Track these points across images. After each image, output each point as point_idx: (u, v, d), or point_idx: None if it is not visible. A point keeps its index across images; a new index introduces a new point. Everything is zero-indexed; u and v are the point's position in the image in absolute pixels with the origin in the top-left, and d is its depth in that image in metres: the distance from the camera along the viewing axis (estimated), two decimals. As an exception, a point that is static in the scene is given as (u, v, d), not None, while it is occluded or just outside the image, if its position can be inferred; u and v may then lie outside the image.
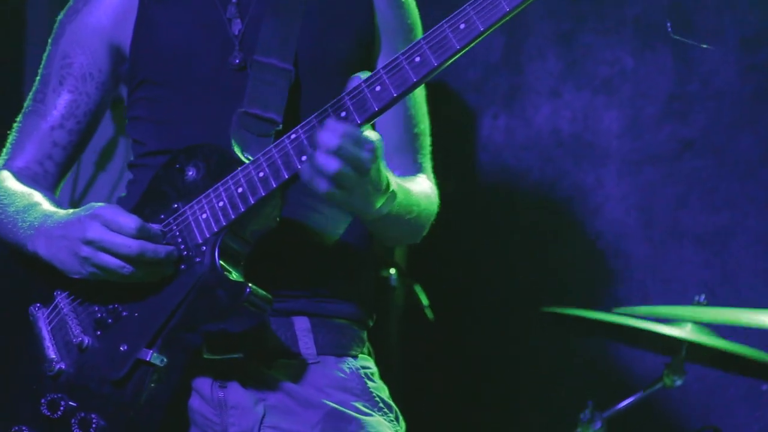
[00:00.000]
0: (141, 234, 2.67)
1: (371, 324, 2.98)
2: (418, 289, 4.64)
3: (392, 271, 4.39)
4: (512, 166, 4.90)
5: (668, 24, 2.61)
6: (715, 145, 4.66)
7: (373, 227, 2.87)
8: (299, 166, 2.61)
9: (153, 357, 2.68)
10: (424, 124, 3.04)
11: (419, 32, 3.03)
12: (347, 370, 2.87)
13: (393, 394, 2.94)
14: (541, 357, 4.83)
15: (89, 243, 2.67)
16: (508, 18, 2.56)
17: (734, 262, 4.58)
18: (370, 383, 2.90)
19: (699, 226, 4.66)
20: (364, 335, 2.95)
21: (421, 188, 2.93)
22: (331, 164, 2.51)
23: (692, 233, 4.66)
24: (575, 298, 4.67)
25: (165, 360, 2.69)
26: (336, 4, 2.95)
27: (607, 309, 4.02)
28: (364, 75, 2.63)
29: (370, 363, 2.95)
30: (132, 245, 2.65)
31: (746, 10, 4.59)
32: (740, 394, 4.48)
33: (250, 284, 2.64)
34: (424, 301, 4.64)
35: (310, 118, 2.63)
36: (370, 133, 2.59)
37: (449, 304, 4.83)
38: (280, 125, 2.79)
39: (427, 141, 3.03)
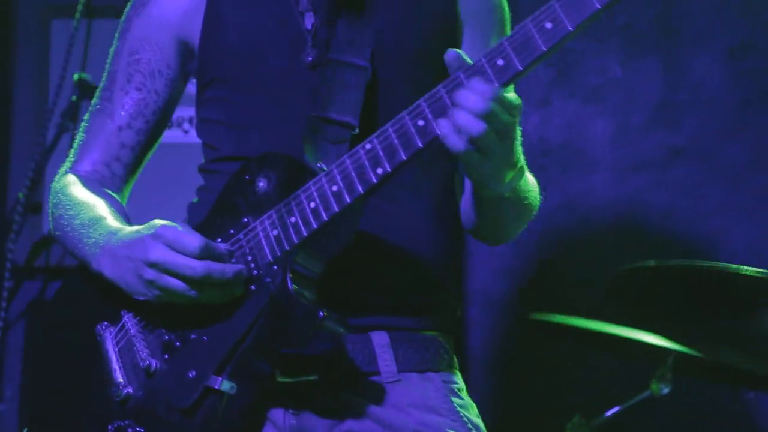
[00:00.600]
0: (205, 254, 2.50)
1: (457, 334, 2.78)
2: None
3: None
4: (501, 174, 4.90)
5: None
6: (704, 152, 4.66)
7: (491, 209, 2.64)
8: (374, 180, 2.42)
9: (222, 384, 2.50)
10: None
11: (507, 15, 2.86)
12: (431, 388, 2.68)
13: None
14: (528, 367, 4.83)
15: (153, 265, 2.51)
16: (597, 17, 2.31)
17: (723, 270, 4.59)
18: (455, 400, 2.70)
19: (687, 233, 4.66)
20: (449, 346, 2.75)
21: (528, 174, 2.71)
22: (476, 126, 2.31)
23: (681, 240, 4.67)
24: (565, 307, 4.67)
25: (235, 387, 2.50)
26: None
27: (598, 317, 4.02)
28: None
29: (457, 378, 2.75)
30: (197, 266, 2.49)
31: (734, 19, 4.61)
32: (727, 402, 4.48)
33: (324, 309, 2.45)
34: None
35: (385, 127, 2.42)
36: (512, 96, 2.40)
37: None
38: (357, 129, 2.61)
39: (518, 131, 2.75)
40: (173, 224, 2.56)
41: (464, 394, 2.74)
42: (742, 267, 3.08)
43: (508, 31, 2.73)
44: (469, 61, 2.38)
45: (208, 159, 2.84)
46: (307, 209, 2.48)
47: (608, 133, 4.78)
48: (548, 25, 2.32)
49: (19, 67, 4.97)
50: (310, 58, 2.70)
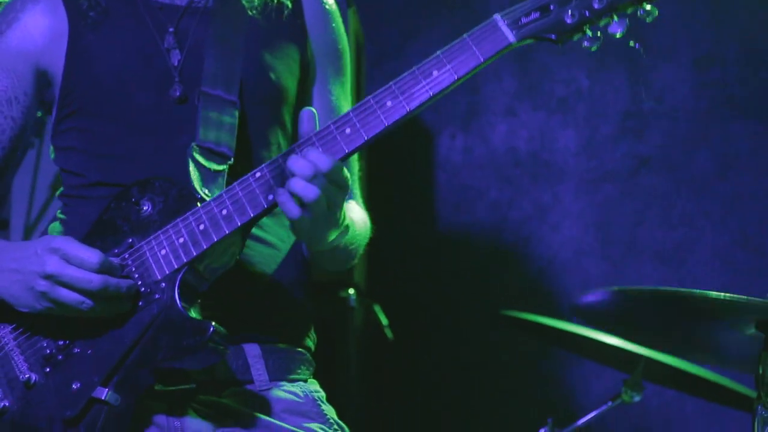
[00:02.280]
0: (103, 268, 2.56)
1: (314, 348, 2.93)
2: (377, 309, 4.63)
3: (351, 291, 4.38)
4: (470, 185, 4.92)
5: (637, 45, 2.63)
6: (671, 162, 4.69)
7: (318, 257, 2.85)
8: (265, 205, 2.56)
9: (108, 395, 2.57)
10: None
11: (348, 60, 3.02)
12: (301, 394, 2.82)
13: (353, 413, 2.94)
14: (500, 374, 4.84)
15: (48, 277, 2.56)
16: (479, 69, 2.54)
17: (691, 278, 4.61)
18: (323, 405, 2.86)
19: (656, 242, 4.69)
20: (310, 358, 2.90)
21: (359, 217, 2.91)
22: (310, 192, 2.49)
23: (650, 250, 4.69)
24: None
25: (119, 398, 2.58)
26: (274, 32, 2.89)
27: (569, 319, 4.03)
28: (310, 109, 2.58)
29: (319, 387, 2.91)
30: (94, 279, 2.55)
31: (699, 30, 4.64)
32: (698, 409, 4.50)
33: (213, 323, 2.56)
34: (384, 320, 4.64)
35: (276, 158, 2.57)
36: (343, 170, 2.55)
37: (408, 324, 4.83)
38: (232, 159, 2.73)
39: (356, 167, 2.98)
40: (70, 238, 2.61)
41: (325, 401, 2.88)
42: (707, 292, 3.11)
43: (348, 75, 2.99)
44: (317, 125, 2.57)
45: (70, 185, 2.88)
46: (197, 231, 2.59)
47: (576, 143, 4.80)
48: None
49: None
50: (177, 93, 2.79)
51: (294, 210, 2.51)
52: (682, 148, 4.67)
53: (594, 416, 3.98)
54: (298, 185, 2.50)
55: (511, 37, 2.52)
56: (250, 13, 2.88)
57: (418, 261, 4.91)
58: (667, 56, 4.64)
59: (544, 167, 4.82)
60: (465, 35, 2.54)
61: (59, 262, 2.57)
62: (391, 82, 2.54)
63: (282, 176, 2.55)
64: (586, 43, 2.55)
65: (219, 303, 2.69)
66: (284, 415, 2.77)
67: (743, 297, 3.06)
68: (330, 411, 2.87)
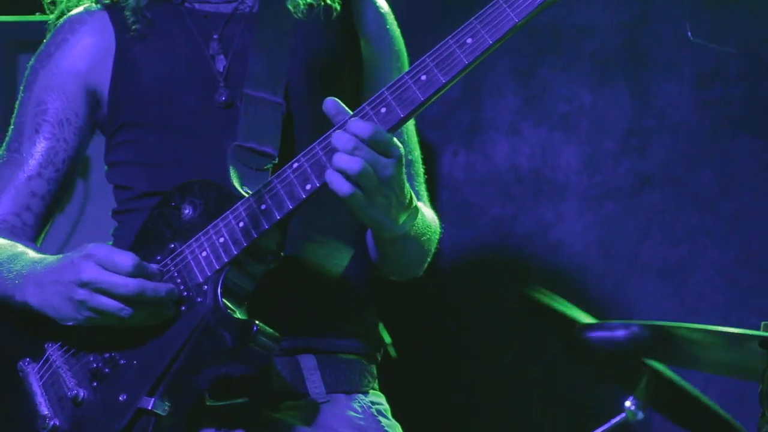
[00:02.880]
0: (138, 272, 2.53)
1: (379, 358, 2.87)
2: (381, 328, 4.62)
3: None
4: (473, 202, 4.91)
5: (688, 32, 2.61)
6: (674, 178, 4.68)
7: (390, 249, 2.77)
8: (303, 196, 2.52)
9: (155, 405, 2.52)
10: (417, 152, 2.98)
11: (405, 59, 3.00)
12: (359, 408, 2.77)
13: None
14: (503, 391, 4.83)
15: (85, 285, 2.53)
16: (516, 30, 2.47)
17: (694, 295, 4.60)
18: (383, 420, 2.80)
19: (659, 259, 4.67)
20: (374, 370, 2.86)
21: (429, 212, 2.87)
22: (354, 164, 2.44)
23: (652, 267, 4.68)
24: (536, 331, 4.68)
25: (167, 408, 2.52)
26: (323, 34, 2.88)
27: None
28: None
29: (382, 399, 2.86)
30: (130, 284, 2.51)
31: (702, 46, 4.64)
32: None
33: (257, 322, 2.50)
34: (387, 339, 4.63)
35: (312, 146, 2.53)
36: (389, 137, 2.50)
37: (411, 341, 4.82)
38: (276, 159, 2.69)
39: (420, 169, 2.98)
40: (104, 244, 2.59)
41: (389, 414, 2.84)
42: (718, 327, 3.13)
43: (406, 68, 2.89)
44: (349, 110, 2.52)
45: (121, 200, 2.89)
46: (237, 229, 2.55)
47: (578, 160, 4.79)
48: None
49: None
50: (223, 98, 2.80)
51: (343, 186, 2.45)
52: (685, 165, 4.66)
53: (598, 433, 3.98)
54: (341, 159, 2.44)
55: None
56: (296, 16, 2.85)
57: (421, 277, 4.89)
58: (669, 73, 4.64)
59: (547, 184, 4.81)
60: None
61: (95, 268, 2.53)
62: (425, 56, 2.50)
63: (320, 164, 2.50)
64: None
65: (271, 310, 2.63)
66: (341, 429, 2.71)
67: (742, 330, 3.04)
68: (391, 425, 2.81)
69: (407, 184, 2.56)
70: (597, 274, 4.74)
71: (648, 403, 3.87)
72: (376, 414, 2.80)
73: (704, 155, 4.64)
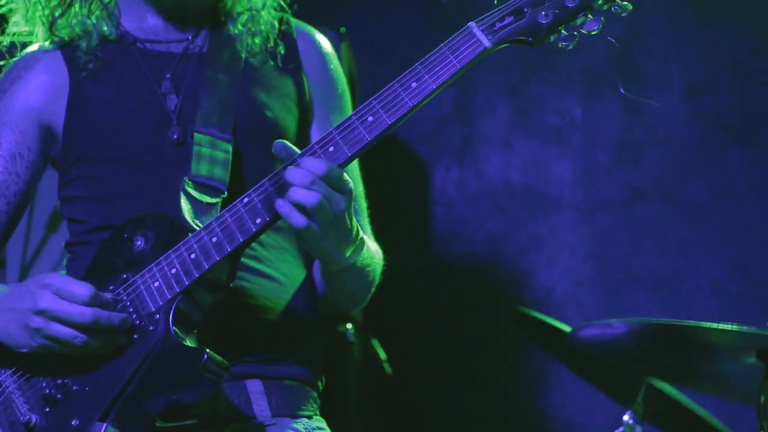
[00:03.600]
0: (94, 302, 2.60)
1: (321, 386, 2.95)
2: (376, 344, 4.62)
3: (349, 326, 4.37)
4: (466, 217, 4.91)
5: (621, 87, 2.67)
6: (666, 191, 4.69)
7: (337, 280, 2.85)
8: (253, 229, 2.60)
9: (107, 430, 2.60)
10: (360, 187, 3.05)
11: (348, 100, 3.09)
12: (303, 430, 2.83)
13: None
14: (499, 407, 4.83)
15: (41, 313, 2.60)
16: (458, 76, 2.57)
17: (688, 306, 4.61)
18: None
19: (652, 271, 4.68)
20: (316, 395, 2.92)
21: (373, 246, 2.94)
22: (311, 197, 2.52)
23: (645, 279, 4.68)
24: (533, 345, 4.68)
25: None
26: (270, 77, 2.97)
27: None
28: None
29: (323, 424, 2.92)
30: (86, 313, 2.58)
31: (692, 59, 4.65)
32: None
33: (207, 350, 2.58)
34: (382, 355, 4.63)
35: (263, 182, 2.61)
36: (342, 174, 2.59)
37: (407, 357, 4.82)
38: (226, 193, 2.78)
39: (364, 204, 3.04)
40: (61, 274, 2.66)
41: None
42: (708, 324, 3.11)
43: (349, 114, 2.99)
44: (296, 150, 2.61)
45: (74, 232, 2.95)
46: (188, 260, 2.62)
47: (570, 174, 4.80)
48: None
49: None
50: (175, 136, 2.87)
51: (299, 219, 2.53)
52: (677, 177, 4.67)
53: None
54: (298, 193, 2.52)
55: (486, 42, 2.56)
56: (244, 55, 2.96)
57: (416, 294, 4.90)
58: (660, 85, 4.65)
59: (540, 198, 4.82)
60: (441, 45, 2.58)
61: (51, 297, 2.60)
62: (371, 98, 2.59)
63: (270, 199, 2.58)
64: (562, 43, 2.59)
65: (220, 338, 2.71)
66: None
67: (743, 327, 3.04)
68: None
69: (354, 218, 2.65)
70: (590, 287, 4.75)
71: (645, 417, 3.87)
72: None
73: (696, 167, 4.65)
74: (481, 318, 4.86)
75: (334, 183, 2.55)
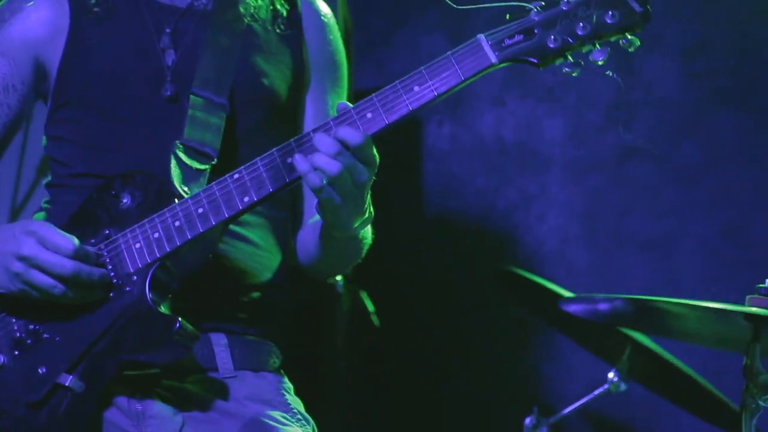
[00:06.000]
0: (77, 255, 2.62)
1: (284, 344, 2.97)
2: (364, 296, 4.63)
3: (338, 278, 4.38)
4: (457, 172, 4.91)
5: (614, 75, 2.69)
6: (658, 152, 4.69)
7: (334, 247, 2.88)
8: (240, 207, 2.62)
9: (72, 382, 2.63)
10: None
11: (345, 73, 3.10)
12: (265, 383, 2.87)
13: (340, 399, 2.95)
14: (486, 362, 4.84)
15: (23, 259, 2.62)
16: (460, 87, 2.60)
17: (678, 268, 4.61)
18: (287, 395, 2.90)
19: (643, 232, 4.68)
20: (279, 352, 2.95)
21: None
22: (333, 167, 2.53)
23: (636, 240, 4.69)
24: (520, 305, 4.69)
25: (83, 386, 2.64)
26: (270, 43, 2.96)
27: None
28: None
29: (285, 379, 2.96)
30: (67, 265, 2.60)
31: (688, 20, 4.63)
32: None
33: (179, 319, 2.62)
34: (370, 307, 4.64)
35: (254, 160, 2.63)
36: (370, 147, 2.61)
37: (394, 311, 4.83)
38: (216, 160, 2.79)
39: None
40: (48, 224, 2.67)
41: (292, 392, 2.94)
42: (696, 302, 3.12)
43: (344, 87, 3.07)
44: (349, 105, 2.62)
45: (57, 175, 2.95)
46: (172, 227, 2.65)
47: (563, 132, 4.79)
48: (416, 88, 2.60)
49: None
50: (168, 93, 2.87)
51: (315, 179, 2.55)
52: (670, 138, 4.66)
53: (580, 405, 3.99)
54: (321, 159, 2.54)
55: (493, 58, 2.58)
56: (246, 20, 2.94)
57: (405, 247, 4.90)
58: (655, 46, 4.63)
59: (531, 156, 4.81)
60: (449, 53, 2.60)
61: (35, 245, 2.61)
62: (372, 95, 2.60)
63: (260, 179, 2.61)
64: (566, 69, 2.62)
65: (191, 293, 2.74)
66: (247, 402, 2.81)
67: (727, 306, 3.03)
68: (296, 402, 2.91)
69: (368, 192, 2.67)
70: (580, 246, 4.75)
71: (631, 375, 3.89)
72: (281, 389, 2.90)
73: (689, 129, 4.64)
74: (469, 272, 4.87)
75: (362, 154, 2.56)
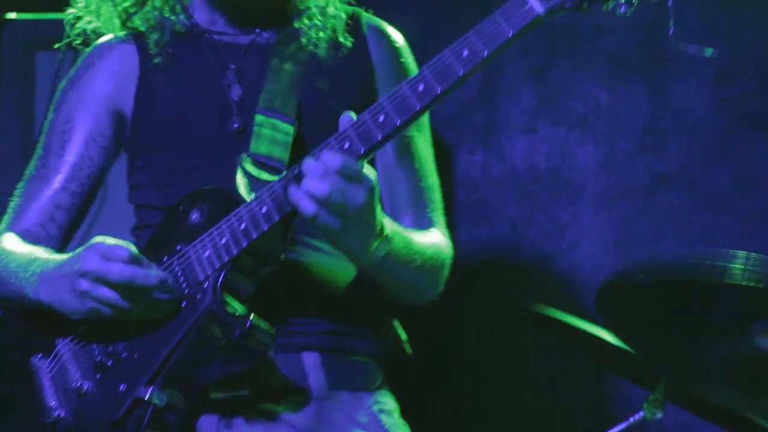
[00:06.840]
0: (133, 261, 2.64)
1: (391, 360, 2.98)
2: (397, 325, 4.62)
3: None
4: (489, 201, 4.91)
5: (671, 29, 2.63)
6: (690, 179, 4.67)
7: (375, 274, 2.85)
8: None
9: (152, 395, 2.63)
10: (432, 179, 3.03)
11: (411, 71, 3.07)
12: (362, 407, 2.86)
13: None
14: (520, 389, 4.82)
15: (85, 274, 2.65)
16: (511, 44, 2.53)
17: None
18: (385, 419, 2.89)
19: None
20: (381, 370, 2.95)
21: (428, 239, 2.94)
22: (321, 188, 2.53)
23: (669, 267, 4.67)
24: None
25: (165, 399, 2.63)
26: (335, 66, 3.00)
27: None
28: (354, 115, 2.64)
29: (389, 398, 2.95)
30: (124, 271, 2.62)
31: (719, 45, 4.63)
32: (719, 430, 4.47)
33: (251, 317, 2.61)
34: (403, 336, 4.63)
35: (313, 151, 2.62)
36: (367, 170, 2.59)
37: (427, 340, 4.81)
38: (284, 173, 2.77)
39: (437, 195, 3.03)
40: (108, 237, 2.72)
41: (396, 414, 2.93)
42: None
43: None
44: (354, 116, 2.64)
45: (140, 218, 3.04)
46: (238, 230, 2.66)
47: (594, 160, 4.78)
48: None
49: (4, 100, 4.95)
50: (236, 125, 2.92)
51: (308, 206, 2.54)
52: (701, 165, 4.65)
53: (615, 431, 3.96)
54: (308, 183, 2.54)
55: (539, 8, 2.52)
56: (310, 48, 2.98)
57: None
58: (687, 72, 4.63)
59: (563, 184, 4.81)
60: (495, 12, 2.54)
61: (96, 259, 2.65)
62: (423, 66, 2.58)
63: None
64: (621, 9, 2.54)
65: (278, 309, 2.76)
66: (339, 425, 2.81)
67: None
68: (395, 424, 2.90)
69: (378, 214, 2.64)
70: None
71: (666, 403, 3.85)
72: (378, 413, 2.89)
73: (721, 155, 4.63)
74: (501, 300, 4.85)
75: (350, 175, 2.55)
